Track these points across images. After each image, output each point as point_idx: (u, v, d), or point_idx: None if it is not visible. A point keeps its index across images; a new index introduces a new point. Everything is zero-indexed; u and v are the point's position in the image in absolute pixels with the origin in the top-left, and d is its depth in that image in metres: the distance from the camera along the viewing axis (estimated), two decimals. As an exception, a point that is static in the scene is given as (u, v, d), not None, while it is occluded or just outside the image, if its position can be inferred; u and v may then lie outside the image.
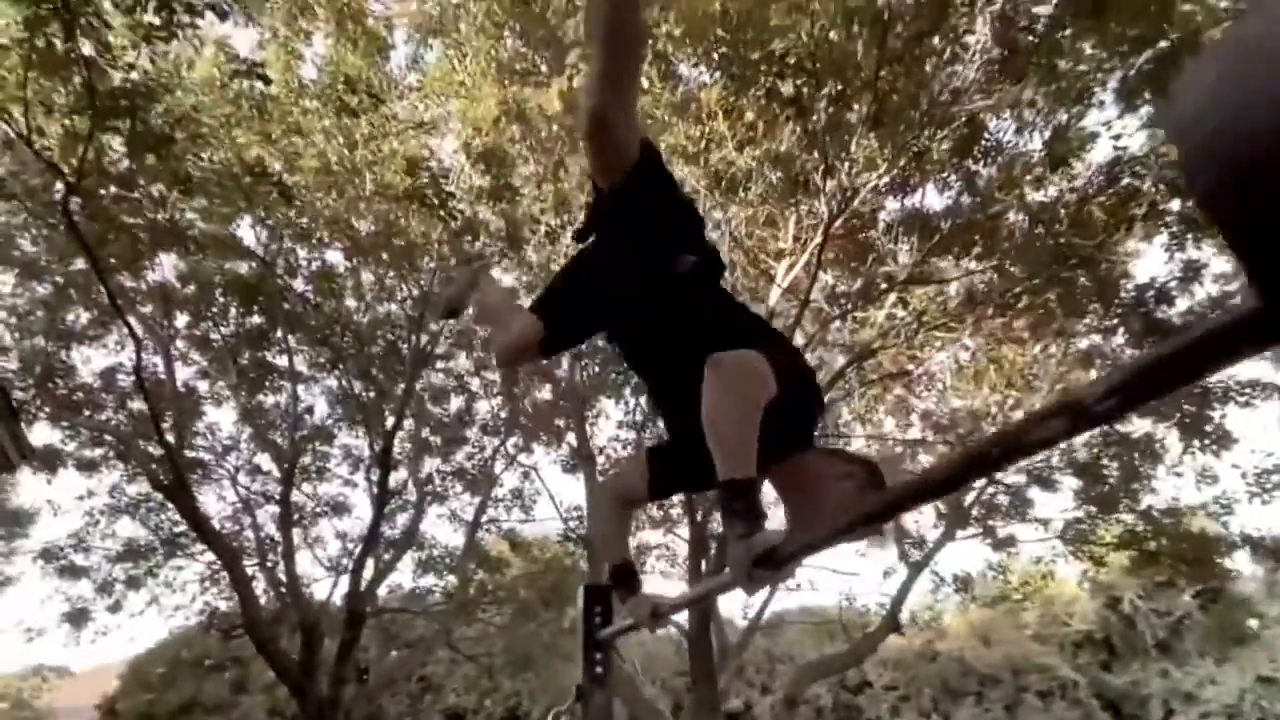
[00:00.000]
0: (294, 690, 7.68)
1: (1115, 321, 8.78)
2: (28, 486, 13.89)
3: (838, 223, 6.37)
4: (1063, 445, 10.41)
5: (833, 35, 5.30)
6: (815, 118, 5.52)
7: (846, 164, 6.00)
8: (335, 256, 10.71)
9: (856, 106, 5.72)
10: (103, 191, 6.06)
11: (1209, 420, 8.50)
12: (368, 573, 10.31)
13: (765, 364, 1.37)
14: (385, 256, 9.37)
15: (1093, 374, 9.09)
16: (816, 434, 1.70)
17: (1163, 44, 6.98)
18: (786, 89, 5.18)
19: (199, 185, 6.31)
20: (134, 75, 5.43)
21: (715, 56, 5.37)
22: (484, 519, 12.56)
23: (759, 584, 1.39)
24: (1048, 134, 7.95)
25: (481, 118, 6.06)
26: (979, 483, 11.12)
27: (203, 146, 6.43)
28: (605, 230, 1.73)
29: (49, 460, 10.78)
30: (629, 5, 1.36)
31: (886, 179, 7.00)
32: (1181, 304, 8.84)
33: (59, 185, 6.01)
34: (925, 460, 11.78)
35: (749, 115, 5.70)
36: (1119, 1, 6.00)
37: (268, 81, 5.98)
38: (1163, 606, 27.38)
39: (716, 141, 5.99)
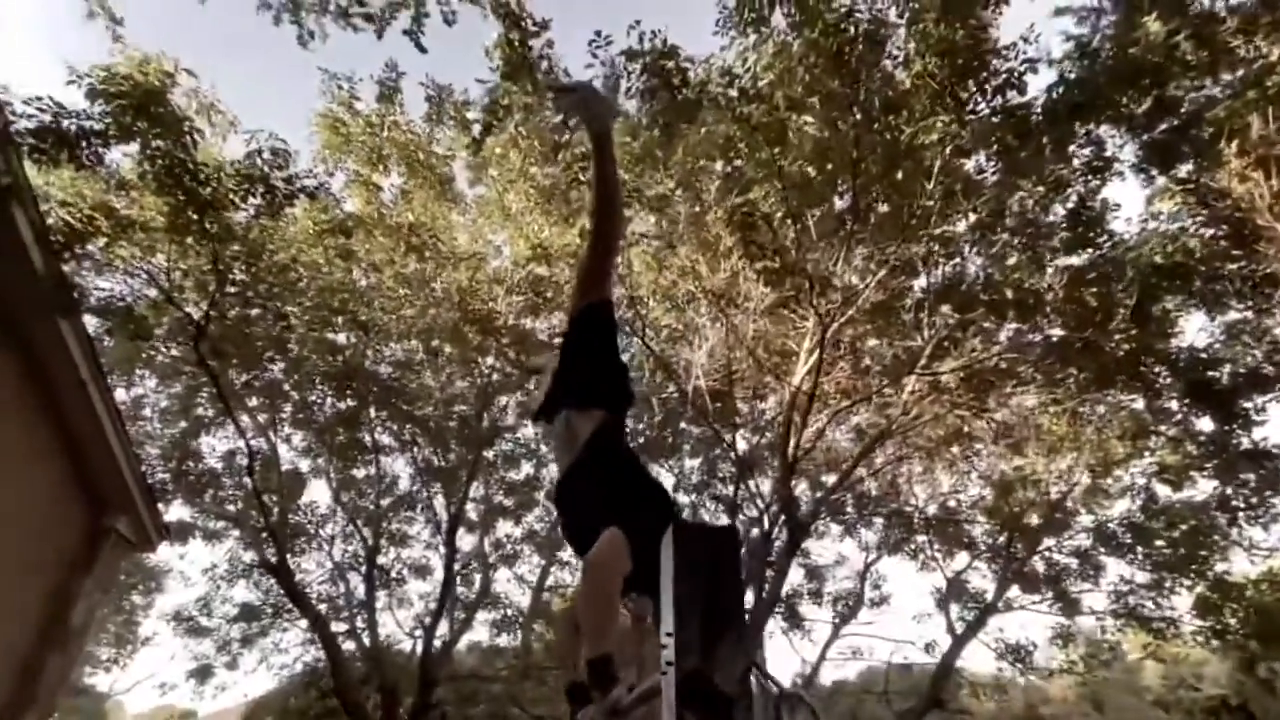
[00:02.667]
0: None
1: (1167, 383, 8.65)
2: (161, 549, 15.95)
3: (835, 325, 6.87)
4: (1119, 509, 10.15)
5: (810, 170, 5.99)
6: (796, 250, 6.15)
7: (836, 276, 6.55)
8: (415, 343, 12.12)
9: (847, 219, 6.30)
10: (228, 321, 7.45)
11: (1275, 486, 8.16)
12: (446, 630, 11.30)
13: (622, 548, 1.82)
14: (455, 348, 10.61)
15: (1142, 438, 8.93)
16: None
17: (1163, 126, 7.19)
18: (760, 237, 5.87)
19: (297, 311, 7.64)
20: (248, 236, 6.82)
21: (704, 199, 6.16)
22: (549, 582, 13.39)
23: None
24: (1070, 205, 8.18)
25: (520, 253, 7.13)
26: (1045, 543, 10.94)
27: (299, 282, 7.81)
28: (562, 349, 2.32)
29: (181, 533, 12.52)
30: (616, 203, 2.18)
31: (918, 251, 7.46)
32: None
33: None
34: (981, 524, 11.66)
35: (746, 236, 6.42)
36: (1098, 101, 6.33)
37: (349, 235, 7.30)
38: (1307, 670, 24.47)
39: (724, 255, 6.72)
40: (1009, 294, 6.87)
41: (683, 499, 12.66)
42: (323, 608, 12.30)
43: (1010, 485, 9.93)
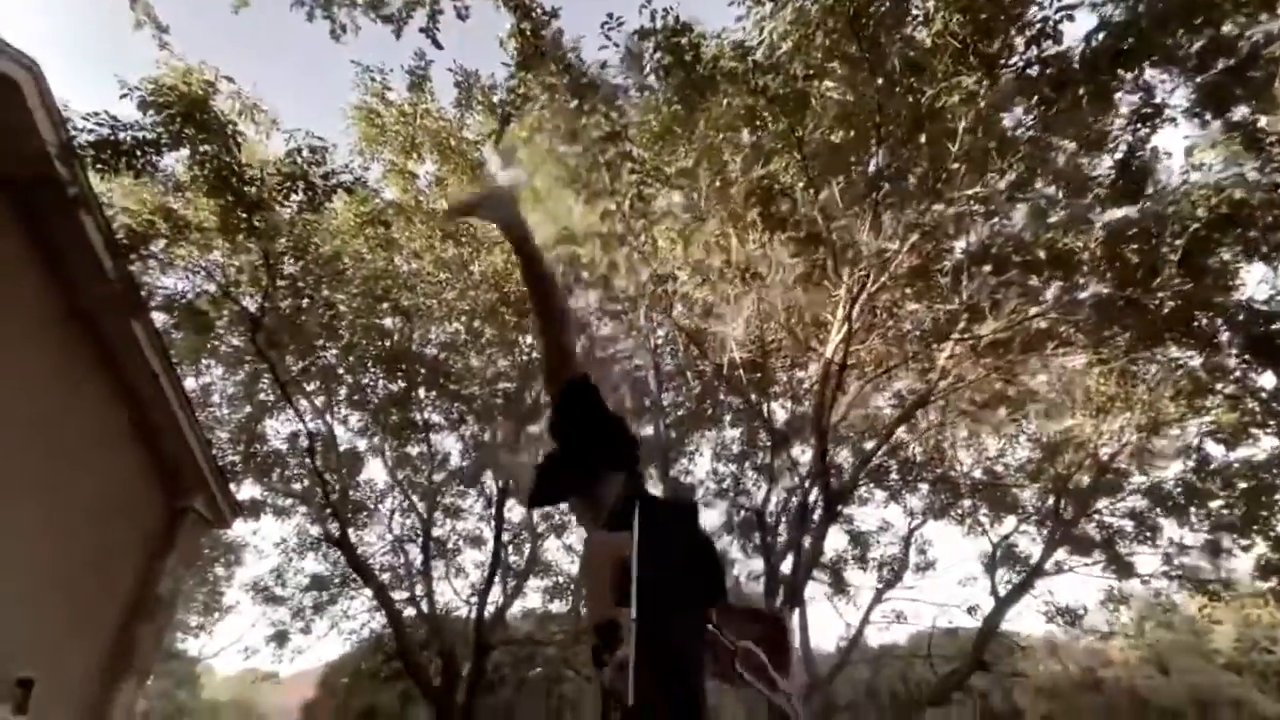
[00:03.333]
0: (435, 705, 9.24)
1: (1225, 338, 8.27)
2: (236, 525, 17.17)
3: (866, 293, 6.80)
4: (1174, 470, 9.84)
5: (833, 137, 5.88)
6: (823, 219, 6.07)
7: (864, 243, 6.47)
8: (458, 326, 12.53)
9: (876, 183, 6.19)
10: (282, 310, 7.90)
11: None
12: (499, 597, 11.85)
13: (625, 538, 1.97)
14: (494, 329, 10.95)
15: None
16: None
17: (1217, 67, 6.77)
18: (779, 208, 5.83)
19: (345, 299, 8.03)
20: (294, 231, 7.18)
21: (728, 172, 6.13)
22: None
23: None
24: (1118, 155, 7.81)
25: (549, 236, 7.30)
26: (1097, 505, 10.69)
27: (345, 271, 8.20)
28: (555, 434, 2.37)
29: (254, 510, 13.41)
30: (553, 296, 2.22)
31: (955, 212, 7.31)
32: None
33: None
34: (1029, 487, 11.45)
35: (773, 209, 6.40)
36: (1145, 45, 6.01)
37: (388, 226, 7.61)
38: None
39: (751, 227, 6.71)
40: (1044, 254, 6.66)
41: (723, 469, 12.86)
42: (385, 577, 13.07)
43: (1058, 447, 9.72)
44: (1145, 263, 6.48)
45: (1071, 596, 15.07)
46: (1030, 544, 11.13)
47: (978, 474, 11.85)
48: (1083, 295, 8.11)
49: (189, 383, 12.24)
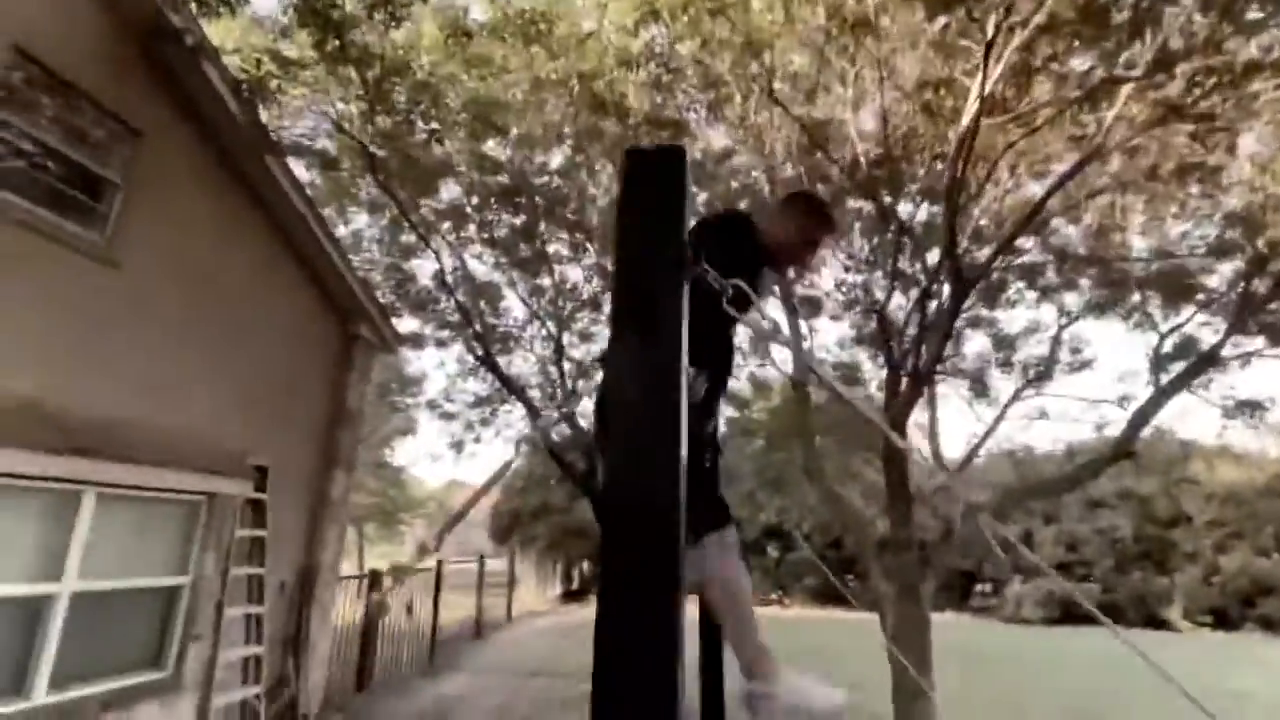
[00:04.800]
0: (586, 493, 10.64)
1: None
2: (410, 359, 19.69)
3: (1010, 44, 5.61)
4: None
5: None
6: None
7: None
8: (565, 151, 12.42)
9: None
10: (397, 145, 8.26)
11: None
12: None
13: None
14: (598, 145, 10.71)
15: None
16: None
17: None
18: None
19: (444, 130, 8.21)
20: (385, 58, 7.26)
21: None
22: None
23: None
24: None
25: (631, 16, 6.67)
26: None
27: (444, 98, 8.26)
28: None
29: (418, 342, 15.16)
30: None
31: None
32: None
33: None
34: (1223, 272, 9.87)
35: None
36: None
37: (470, 36, 7.42)
38: None
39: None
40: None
41: (851, 279, 12.29)
42: (535, 395, 14.56)
43: (1258, 219, 8.11)
44: None
45: (1255, 390, 13.41)
46: (1209, 335, 9.82)
47: (1148, 258, 10.36)
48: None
49: (340, 230, 13.50)
